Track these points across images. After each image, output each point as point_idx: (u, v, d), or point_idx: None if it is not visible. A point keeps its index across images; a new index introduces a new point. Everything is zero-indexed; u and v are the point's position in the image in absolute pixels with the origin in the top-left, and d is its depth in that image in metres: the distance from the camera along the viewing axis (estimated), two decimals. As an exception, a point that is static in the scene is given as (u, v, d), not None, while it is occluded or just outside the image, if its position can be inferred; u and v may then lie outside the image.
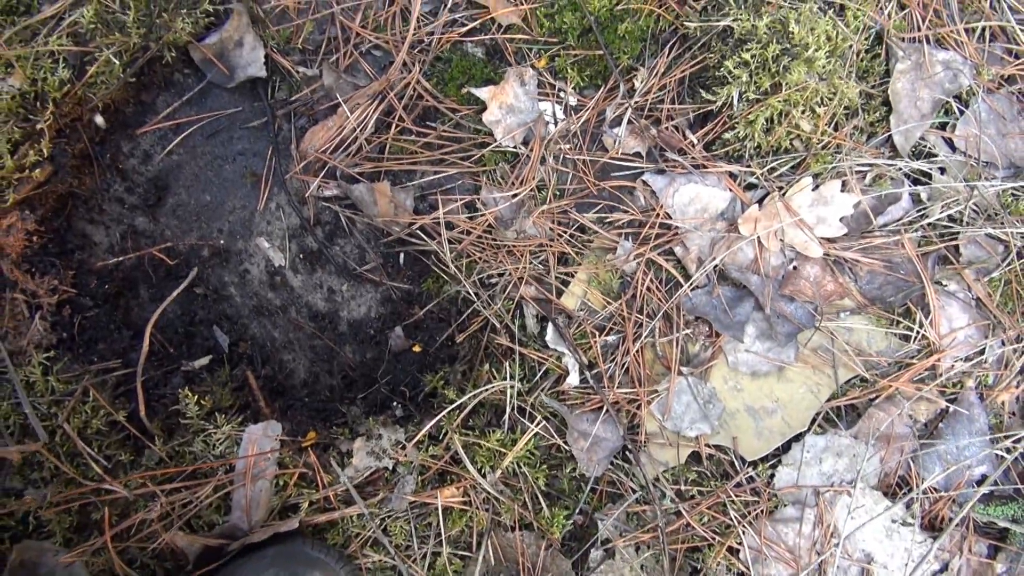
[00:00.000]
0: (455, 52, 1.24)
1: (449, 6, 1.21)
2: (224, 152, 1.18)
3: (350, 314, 1.20)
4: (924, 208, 1.23)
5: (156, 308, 1.13)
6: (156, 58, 1.14)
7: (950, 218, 1.24)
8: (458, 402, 1.12)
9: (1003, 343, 1.23)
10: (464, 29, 1.22)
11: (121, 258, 1.13)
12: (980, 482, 1.22)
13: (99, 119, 1.15)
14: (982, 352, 1.23)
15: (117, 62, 1.11)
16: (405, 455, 1.12)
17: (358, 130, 1.19)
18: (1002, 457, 1.20)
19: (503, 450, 1.13)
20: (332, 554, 1.05)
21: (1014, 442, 1.17)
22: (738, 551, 1.15)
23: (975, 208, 1.23)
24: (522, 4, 1.22)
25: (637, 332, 1.21)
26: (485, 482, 1.11)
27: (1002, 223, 1.23)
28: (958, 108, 1.27)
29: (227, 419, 1.07)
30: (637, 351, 1.20)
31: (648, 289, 1.23)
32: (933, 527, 1.20)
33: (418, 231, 1.19)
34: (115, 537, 1.01)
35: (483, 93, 1.20)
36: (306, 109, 1.20)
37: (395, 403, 1.16)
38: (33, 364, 1.04)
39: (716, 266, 1.23)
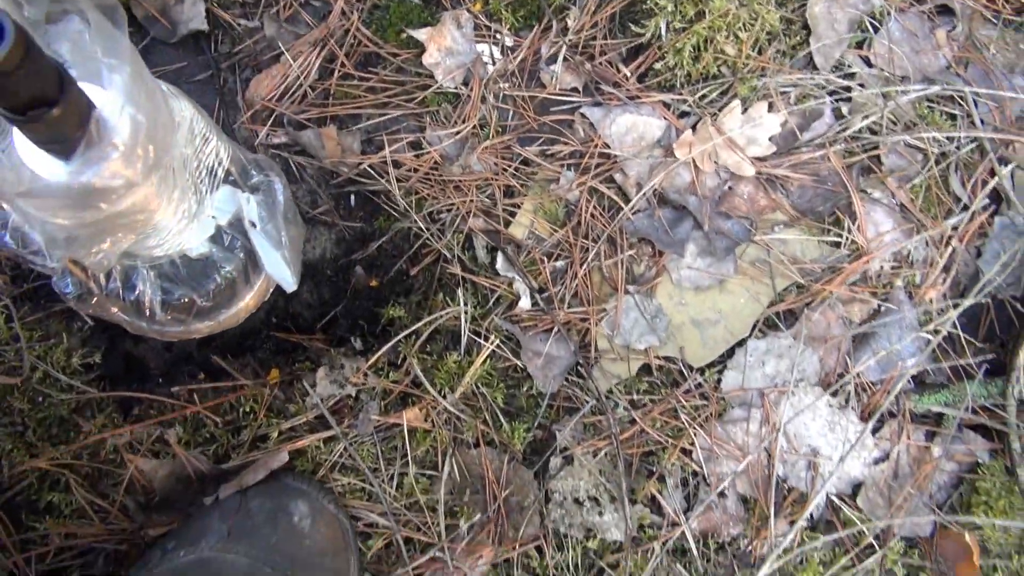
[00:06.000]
0: (392, -1, 1.29)
1: (383, -45, 1.26)
2: (173, 106, 1.22)
3: (306, 256, 1.24)
4: (846, 121, 1.30)
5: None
6: (99, 15, 1.17)
7: (871, 131, 1.31)
8: (413, 327, 1.17)
9: (927, 243, 1.30)
10: (399, -24, 1.27)
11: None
12: (915, 377, 1.30)
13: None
14: (908, 255, 1.30)
15: (60, 20, 1.14)
16: (366, 382, 1.16)
17: (302, 77, 1.23)
18: (932, 349, 1.28)
19: (461, 371, 1.18)
20: (313, 484, 1.09)
21: (935, 329, 1.25)
22: (691, 452, 1.21)
23: (893, 118, 1.31)
24: (453, -51, 1.26)
25: (584, 256, 1.27)
26: (446, 402, 1.16)
27: (920, 133, 1.31)
28: (872, 25, 1.35)
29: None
30: (585, 274, 1.26)
31: (592, 215, 1.29)
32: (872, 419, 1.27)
33: (367, 171, 1.24)
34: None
35: (421, 35, 1.25)
36: (250, 60, 1.24)
37: (354, 337, 1.20)
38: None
39: (655, 190, 1.29)
